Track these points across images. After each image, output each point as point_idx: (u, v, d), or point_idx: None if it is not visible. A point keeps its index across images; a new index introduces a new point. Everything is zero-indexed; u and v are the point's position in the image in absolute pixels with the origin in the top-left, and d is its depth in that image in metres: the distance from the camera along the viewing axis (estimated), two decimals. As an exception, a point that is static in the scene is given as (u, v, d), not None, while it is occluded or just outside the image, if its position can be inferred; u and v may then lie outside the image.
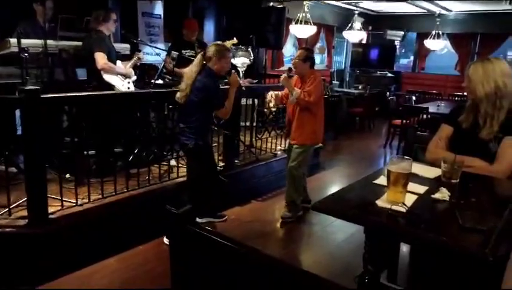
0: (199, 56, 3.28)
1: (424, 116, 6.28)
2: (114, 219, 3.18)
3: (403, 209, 1.52)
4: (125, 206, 3.31)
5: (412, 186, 1.69)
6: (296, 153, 3.78)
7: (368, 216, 1.54)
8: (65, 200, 3.01)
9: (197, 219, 3.54)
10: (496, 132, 2.13)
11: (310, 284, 1.13)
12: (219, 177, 3.68)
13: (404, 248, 2.72)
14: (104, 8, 4.25)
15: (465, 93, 7.28)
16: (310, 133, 3.76)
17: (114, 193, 3.31)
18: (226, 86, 3.53)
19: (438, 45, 9.83)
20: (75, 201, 3.05)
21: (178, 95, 3.26)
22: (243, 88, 3.74)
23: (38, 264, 2.73)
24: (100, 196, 3.22)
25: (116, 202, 3.27)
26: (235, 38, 4.56)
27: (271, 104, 3.91)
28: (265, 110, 5.32)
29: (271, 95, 3.87)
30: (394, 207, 1.53)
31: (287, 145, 4.16)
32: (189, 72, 3.24)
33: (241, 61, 4.60)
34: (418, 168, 1.99)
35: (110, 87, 3.78)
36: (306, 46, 4.15)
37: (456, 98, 8.49)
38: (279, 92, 3.92)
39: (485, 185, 1.97)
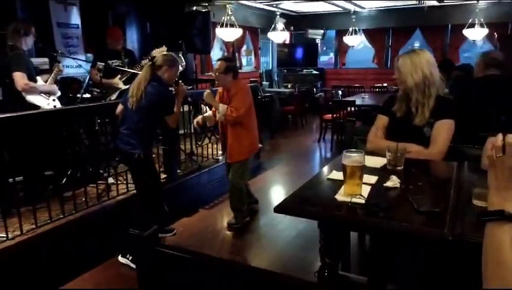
0: (148, 65, 3.19)
1: (352, 108, 6.61)
2: (53, 248, 2.92)
3: (362, 201, 1.56)
4: (64, 232, 3.05)
5: (363, 177, 1.74)
6: (237, 167, 3.67)
7: (332, 212, 1.56)
8: (-7, 236, 2.70)
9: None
10: (427, 118, 2.30)
11: (276, 282, 1.13)
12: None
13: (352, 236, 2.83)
14: (16, 19, 3.89)
15: (385, 84, 7.78)
16: (247, 146, 3.66)
17: (49, 221, 3.03)
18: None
19: (356, 41, 10.45)
20: (4, 235, 2.74)
21: (131, 100, 3.11)
22: (189, 99, 3.58)
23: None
24: (33, 226, 2.93)
25: (52, 229, 3.00)
26: (164, 46, 4.43)
27: (207, 123, 3.82)
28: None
29: (197, 122, 3.78)
30: (354, 199, 1.57)
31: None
32: (140, 79, 3.13)
33: (173, 68, 4.47)
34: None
35: (34, 107, 3.46)
36: (224, 56, 3.93)
37: (377, 90, 9.08)
38: (209, 112, 3.78)
39: (426, 169, 2.11)
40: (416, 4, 8.57)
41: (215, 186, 4.54)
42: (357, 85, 9.61)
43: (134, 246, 1.14)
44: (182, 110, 4.40)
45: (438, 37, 9.99)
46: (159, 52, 4.45)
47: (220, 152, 4.93)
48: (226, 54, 9.25)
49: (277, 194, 5.00)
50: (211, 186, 4.54)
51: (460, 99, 3.53)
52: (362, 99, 7.33)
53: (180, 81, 3.33)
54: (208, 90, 3.64)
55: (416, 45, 14.94)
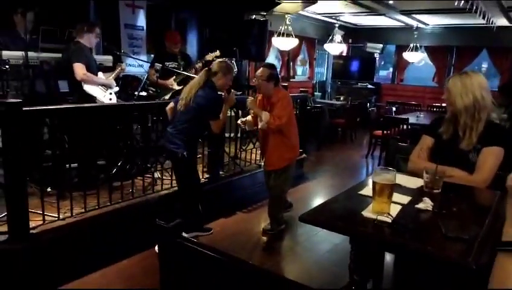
0: (204, 70, 3.37)
1: (405, 127, 6.41)
2: (97, 233, 3.13)
3: (388, 220, 1.55)
4: (109, 219, 3.26)
5: (395, 196, 1.72)
6: (279, 174, 3.70)
7: (355, 227, 1.56)
8: (47, 215, 2.94)
9: (184, 234, 3.51)
10: (474, 143, 2.21)
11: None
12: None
13: (388, 257, 2.76)
14: (86, 19, 4.24)
15: (443, 104, 7.46)
16: (286, 153, 3.66)
17: (97, 207, 3.26)
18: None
19: (416, 57, 10.11)
20: (56, 215, 2.99)
21: (180, 102, 3.31)
22: (234, 109, 3.71)
23: (19, 281, 2.65)
24: (83, 210, 3.16)
25: (99, 215, 3.22)
26: (218, 50, 4.60)
27: (246, 128, 3.87)
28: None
29: (242, 121, 3.82)
30: (380, 217, 1.56)
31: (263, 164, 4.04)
32: (193, 83, 3.34)
33: (225, 73, 4.62)
34: (401, 179, 2.03)
35: (92, 98, 3.75)
36: (267, 63, 3.87)
37: (435, 109, 8.71)
38: (249, 116, 3.81)
39: (465, 194, 2.03)
40: (484, 24, 8.14)
41: (255, 191, 4.60)
42: (413, 103, 9.28)
43: (158, 236, 1.22)
44: (229, 114, 4.55)
45: (506, 59, 9.41)
46: (212, 56, 4.64)
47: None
48: (280, 62, 9.37)
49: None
50: (251, 190, 4.61)
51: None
52: (417, 118, 7.08)
53: (232, 90, 3.44)
54: (251, 97, 3.72)
55: (484, 66, 14.17)
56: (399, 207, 1.70)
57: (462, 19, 8.69)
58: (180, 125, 3.27)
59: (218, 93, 3.38)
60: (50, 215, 2.97)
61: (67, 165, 3.25)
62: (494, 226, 1.57)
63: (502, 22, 8.28)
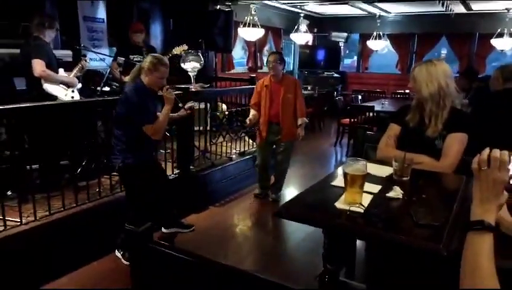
0: (138, 65, 3.04)
1: (371, 114, 6.54)
2: (63, 236, 3.01)
3: (360, 210, 1.56)
4: (75, 221, 3.14)
5: (366, 185, 1.73)
6: (288, 149, 4.32)
7: (329, 219, 1.56)
8: (8, 220, 2.80)
9: (163, 229, 3.42)
10: (440, 129, 2.26)
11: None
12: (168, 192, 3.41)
13: (359, 244, 2.81)
14: (41, 12, 4.02)
15: (407, 91, 7.63)
16: (296, 127, 4.23)
17: (62, 209, 3.13)
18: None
19: (379, 45, 10.30)
20: (19, 220, 2.84)
21: None
22: (180, 104, 3.26)
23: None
24: (47, 213, 3.02)
25: (65, 218, 3.09)
26: (185, 44, 4.49)
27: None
28: (218, 114, 5.30)
29: (250, 120, 4.28)
30: (352, 208, 1.57)
31: (254, 145, 4.64)
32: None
33: (191, 65, 4.51)
34: (370, 167, 2.04)
35: (52, 98, 3.56)
36: (276, 50, 4.64)
37: (399, 96, 8.94)
38: (253, 113, 4.27)
39: (433, 180, 2.08)
40: (443, 11, 8.38)
41: (227, 185, 4.57)
42: (378, 90, 9.47)
43: (128, 242, 1.17)
44: (198, 107, 4.47)
45: (464, 46, 9.75)
46: (180, 50, 4.53)
47: (233, 151, 4.97)
48: (247, 53, 9.32)
49: (289, 196, 4.99)
50: (223, 184, 4.57)
51: (478, 111, 3.46)
52: (382, 105, 7.23)
53: (167, 86, 3.02)
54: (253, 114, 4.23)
55: (443, 52, 14.59)
56: (370, 197, 1.71)
57: (422, 7, 8.91)
58: (115, 133, 2.99)
59: (145, 95, 2.92)
60: (11, 220, 2.82)
61: (28, 167, 3.10)
62: (462, 210, 1.61)
63: (460, 9, 8.55)
